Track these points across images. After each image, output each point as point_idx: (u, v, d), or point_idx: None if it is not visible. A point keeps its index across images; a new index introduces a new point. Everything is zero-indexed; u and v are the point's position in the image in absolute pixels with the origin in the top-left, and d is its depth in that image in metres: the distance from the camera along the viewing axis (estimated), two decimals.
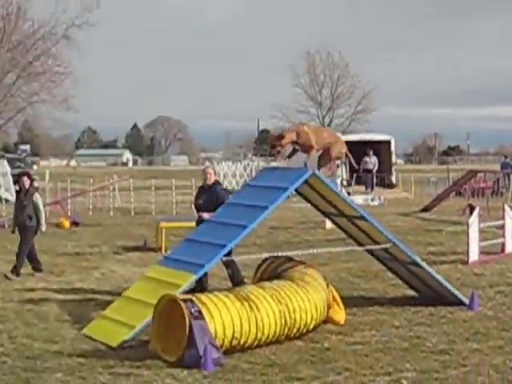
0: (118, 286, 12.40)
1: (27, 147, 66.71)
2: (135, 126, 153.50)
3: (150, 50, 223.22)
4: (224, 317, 8.39)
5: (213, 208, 11.18)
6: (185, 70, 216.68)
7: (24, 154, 52.67)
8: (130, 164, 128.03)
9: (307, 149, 10.44)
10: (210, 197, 11.91)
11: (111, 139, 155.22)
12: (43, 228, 14.03)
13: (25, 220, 13.72)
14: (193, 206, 13.47)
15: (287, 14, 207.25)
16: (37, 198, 14.01)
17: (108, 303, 10.35)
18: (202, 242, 9.97)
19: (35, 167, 48.56)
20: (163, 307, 8.57)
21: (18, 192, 14.54)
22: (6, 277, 13.37)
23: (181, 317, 8.10)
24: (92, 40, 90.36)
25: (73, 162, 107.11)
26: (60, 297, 11.85)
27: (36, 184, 14.91)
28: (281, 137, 10.31)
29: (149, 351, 8.53)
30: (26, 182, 13.95)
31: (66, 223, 22.69)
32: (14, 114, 50.12)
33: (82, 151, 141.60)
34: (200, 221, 11.61)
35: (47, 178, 34.49)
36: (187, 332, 7.98)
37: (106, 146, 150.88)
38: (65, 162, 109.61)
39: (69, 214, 24.38)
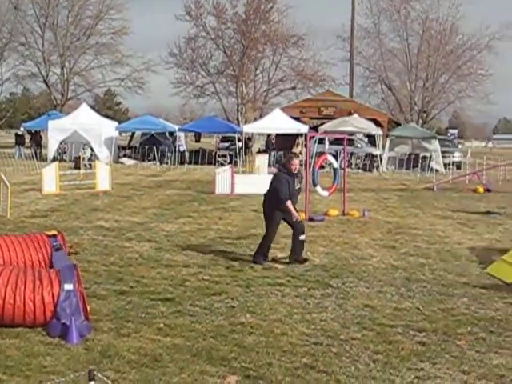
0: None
1: (455, 131, 65.78)
2: None
3: None
4: None
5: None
6: None
7: (452, 137, 52.16)
8: None
9: None
10: (298, 180, 9.61)
11: None
12: None
13: None
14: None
15: None
16: None
17: (507, 250, 9.98)
18: None
19: (460, 146, 47.67)
20: None
21: None
22: None
23: None
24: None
25: (489, 144, 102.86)
26: (471, 243, 11.70)
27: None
28: None
29: None
30: None
31: (481, 189, 22.17)
32: (446, 105, 50.43)
33: (497, 136, 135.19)
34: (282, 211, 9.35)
35: (468, 155, 34.05)
36: None
37: None
38: (483, 144, 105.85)
39: (483, 183, 23.70)
